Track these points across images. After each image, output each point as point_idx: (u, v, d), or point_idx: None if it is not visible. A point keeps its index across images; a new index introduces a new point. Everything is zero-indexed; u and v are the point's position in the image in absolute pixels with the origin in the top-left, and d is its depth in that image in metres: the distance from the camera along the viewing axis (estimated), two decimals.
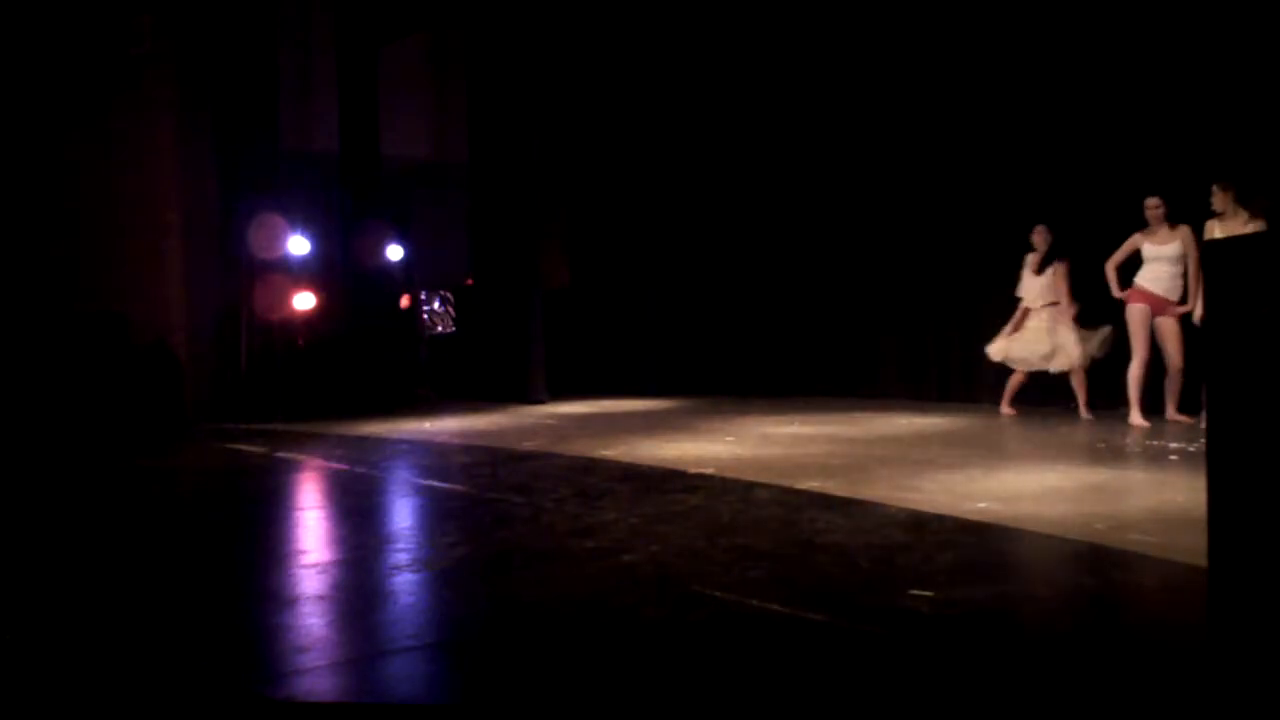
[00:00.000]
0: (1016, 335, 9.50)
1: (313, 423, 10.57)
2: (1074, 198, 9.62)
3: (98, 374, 10.83)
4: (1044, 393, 9.72)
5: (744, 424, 9.46)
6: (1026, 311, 9.50)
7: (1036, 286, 9.46)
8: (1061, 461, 7.02)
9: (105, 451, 9.20)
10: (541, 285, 12.72)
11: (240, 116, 11.55)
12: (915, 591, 4.02)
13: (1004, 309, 9.69)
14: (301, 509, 7.08)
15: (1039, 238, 9.44)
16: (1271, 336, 2.87)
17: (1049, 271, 9.38)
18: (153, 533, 5.87)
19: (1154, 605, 4.02)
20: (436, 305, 14.20)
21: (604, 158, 13.67)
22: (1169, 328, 8.59)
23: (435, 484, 7.07)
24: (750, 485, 6.35)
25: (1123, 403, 8.90)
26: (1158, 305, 8.62)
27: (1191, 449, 7.16)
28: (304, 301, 11.63)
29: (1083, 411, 9.26)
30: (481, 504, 6.19)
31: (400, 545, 5.30)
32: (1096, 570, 4.46)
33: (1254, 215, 8.04)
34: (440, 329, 14.20)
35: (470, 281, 13.95)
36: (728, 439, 8.54)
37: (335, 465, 8.11)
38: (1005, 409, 9.66)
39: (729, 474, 6.75)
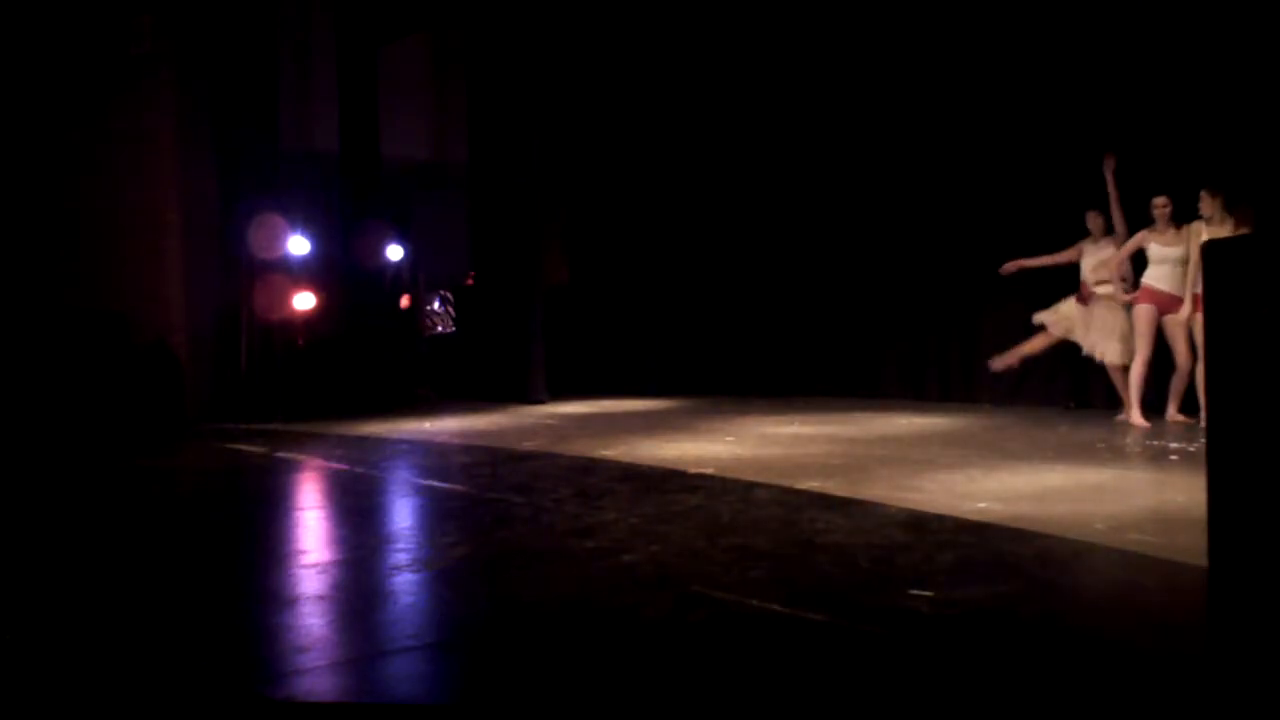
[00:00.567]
0: (1085, 312, 9.12)
1: (313, 423, 10.56)
2: (1074, 198, 9.61)
3: (97, 374, 10.81)
4: (1044, 393, 9.72)
5: (744, 424, 9.45)
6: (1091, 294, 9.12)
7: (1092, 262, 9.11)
8: (1061, 461, 7.01)
9: (105, 451, 9.20)
10: (542, 285, 12.73)
11: (240, 117, 11.54)
12: (915, 591, 4.02)
13: (1004, 309, 9.68)
14: (301, 509, 7.08)
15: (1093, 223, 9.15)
16: (1271, 336, 2.88)
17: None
18: (153, 533, 5.87)
19: (1154, 605, 4.02)
20: (436, 305, 14.17)
21: (604, 158, 13.67)
22: (1177, 326, 8.56)
23: (435, 484, 7.07)
24: (750, 485, 6.35)
25: (1119, 402, 8.92)
26: (1166, 304, 8.56)
27: (1191, 449, 7.16)
28: (304, 301, 11.61)
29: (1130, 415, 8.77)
30: (481, 504, 6.19)
31: (400, 545, 5.31)
32: (1096, 570, 4.46)
33: (1240, 222, 8.02)
34: (440, 329, 14.18)
35: (470, 281, 13.96)
36: (728, 439, 8.54)
37: (335, 465, 8.11)
38: (1016, 356, 9.45)
39: (729, 474, 6.75)
